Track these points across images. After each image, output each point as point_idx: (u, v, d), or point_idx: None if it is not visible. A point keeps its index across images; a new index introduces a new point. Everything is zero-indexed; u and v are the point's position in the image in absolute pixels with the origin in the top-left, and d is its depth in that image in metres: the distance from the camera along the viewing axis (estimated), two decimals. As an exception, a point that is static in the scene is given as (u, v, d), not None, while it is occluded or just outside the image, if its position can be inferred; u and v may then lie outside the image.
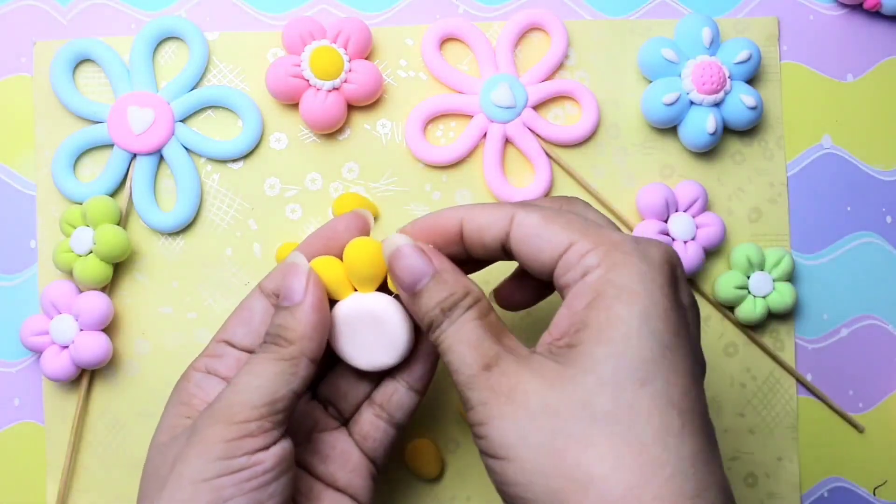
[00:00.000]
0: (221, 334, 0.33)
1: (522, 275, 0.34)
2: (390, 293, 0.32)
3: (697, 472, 0.25)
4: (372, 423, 0.34)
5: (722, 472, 0.26)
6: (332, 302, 0.32)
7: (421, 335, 0.33)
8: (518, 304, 0.35)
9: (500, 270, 0.35)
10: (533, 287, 0.34)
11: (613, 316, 0.26)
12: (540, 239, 0.29)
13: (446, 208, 0.31)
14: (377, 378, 0.34)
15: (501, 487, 0.27)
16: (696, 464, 0.25)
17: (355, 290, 0.32)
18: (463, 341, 0.28)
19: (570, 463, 0.25)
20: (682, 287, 0.28)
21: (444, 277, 0.29)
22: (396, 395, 0.34)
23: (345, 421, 0.35)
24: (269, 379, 0.29)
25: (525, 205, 0.30)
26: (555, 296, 0.42)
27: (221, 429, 0.29)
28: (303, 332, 0.30)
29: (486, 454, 0.27)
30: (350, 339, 0.32)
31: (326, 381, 0.35)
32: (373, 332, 0.32)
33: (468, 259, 0.32)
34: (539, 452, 0.25)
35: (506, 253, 0.30)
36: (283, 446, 0.30)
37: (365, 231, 0.34)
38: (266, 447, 0.29)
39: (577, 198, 0.32)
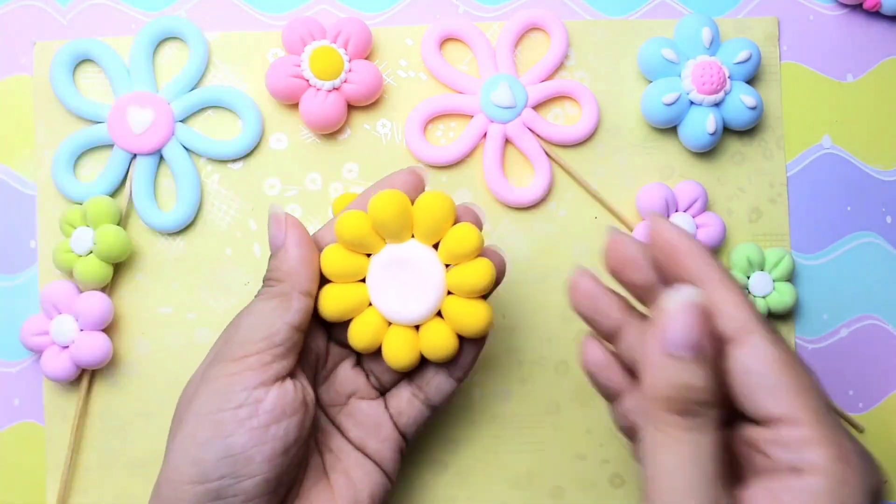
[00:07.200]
0: None
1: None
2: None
3: None
4: (409, 401, 0.35)
5: None
6: (367, 256, 0.33)
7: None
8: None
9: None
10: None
11: None
12: (763, 387, 0.26)
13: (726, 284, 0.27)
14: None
15: None
16: None
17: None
18: (698, 465, 0.25)
19: None
20: None
21: (706, 366, 0.26)
22: (436, 379, 0.35)
23: (384, 390, 0.36)
24: (264, 315, 0.31)
25: (767, 326, 0.27)
26: (547, 304, 0.41)
27: (224, 366, 0.31)
28: (289, 267, 0.32)
29: None
30: (385, 292, 0.33)
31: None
32: (408, 283, 0.33)
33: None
34: None
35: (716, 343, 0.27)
36: (286, 388, 0.31)
37: (420, 188, 0.34)
38: (265, 383, 0.30)
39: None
